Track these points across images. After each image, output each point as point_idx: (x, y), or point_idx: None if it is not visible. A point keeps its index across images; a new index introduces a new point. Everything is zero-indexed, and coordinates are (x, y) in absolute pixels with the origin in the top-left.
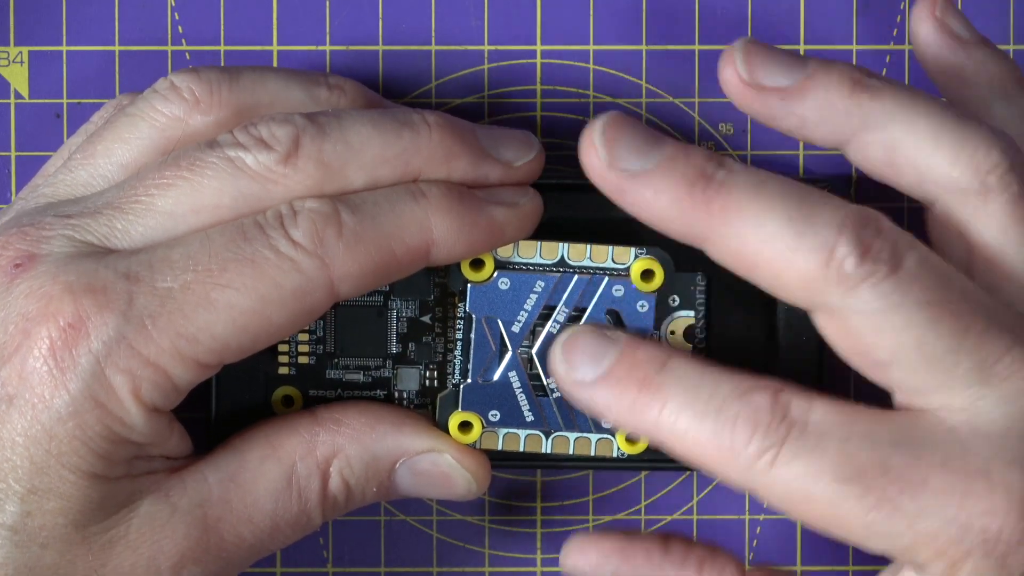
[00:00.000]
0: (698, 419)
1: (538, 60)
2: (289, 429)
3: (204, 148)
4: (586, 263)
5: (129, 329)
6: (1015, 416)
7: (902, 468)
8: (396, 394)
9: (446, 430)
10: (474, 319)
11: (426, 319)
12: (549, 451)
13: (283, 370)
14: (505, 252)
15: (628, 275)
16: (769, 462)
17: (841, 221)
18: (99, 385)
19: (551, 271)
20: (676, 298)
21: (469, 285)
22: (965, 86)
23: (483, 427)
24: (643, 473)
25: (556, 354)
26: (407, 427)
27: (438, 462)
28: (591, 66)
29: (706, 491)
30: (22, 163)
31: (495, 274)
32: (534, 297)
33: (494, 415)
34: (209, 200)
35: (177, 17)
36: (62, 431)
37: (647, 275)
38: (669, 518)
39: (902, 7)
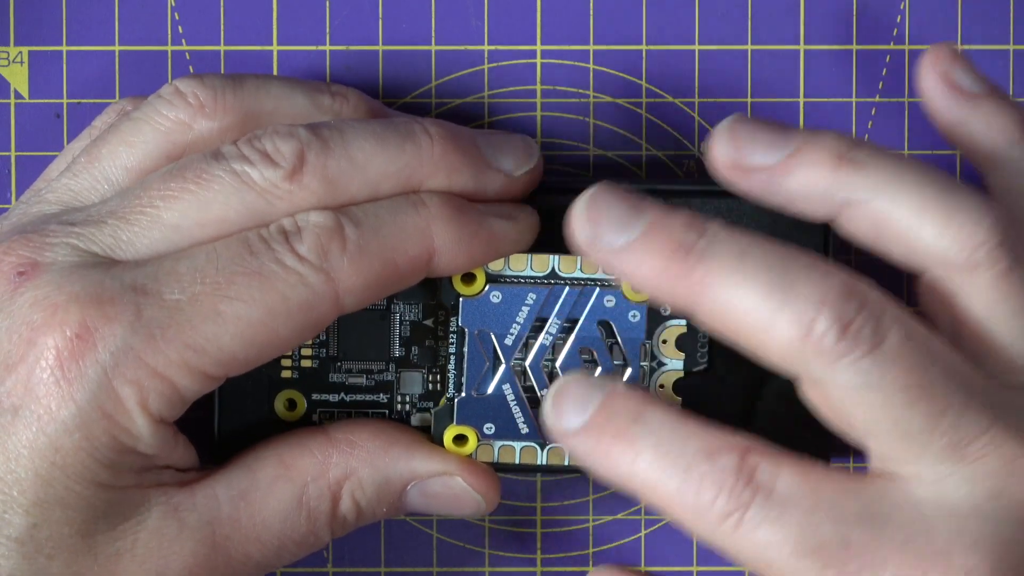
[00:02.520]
0: (667, 475)
1: (538, 60)
2: (302, 449)
3: (209, 160)
4: (577, 275)
5: (137, 340)
6: (982, 496)
7: (863, 545)
8: (399, 398)
9: (441, 444)
10: (467, 333)
11: (429, 323)
12: (544, 463)
13: (286, 374)
14: (496, 266)
15: (619, 286)
16: (734, 525)
17: (823, 295)
18: (106, 396)
19: (542, 283)
20: (667, 307)
21: (461, 299)
22: (972, 140)
23: (478, 440)
24: None
25: (547, 405)
26: (419, 450)
27: (450, 484)
28: (591, 66)
29: None
30: (22, 163)
31: (486, 288)
32: (526, 310)
33: (489, 428)
34: (215, 214)
35: (177, 17)
36: (68, 442)
37: None
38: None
39: (902, 7)
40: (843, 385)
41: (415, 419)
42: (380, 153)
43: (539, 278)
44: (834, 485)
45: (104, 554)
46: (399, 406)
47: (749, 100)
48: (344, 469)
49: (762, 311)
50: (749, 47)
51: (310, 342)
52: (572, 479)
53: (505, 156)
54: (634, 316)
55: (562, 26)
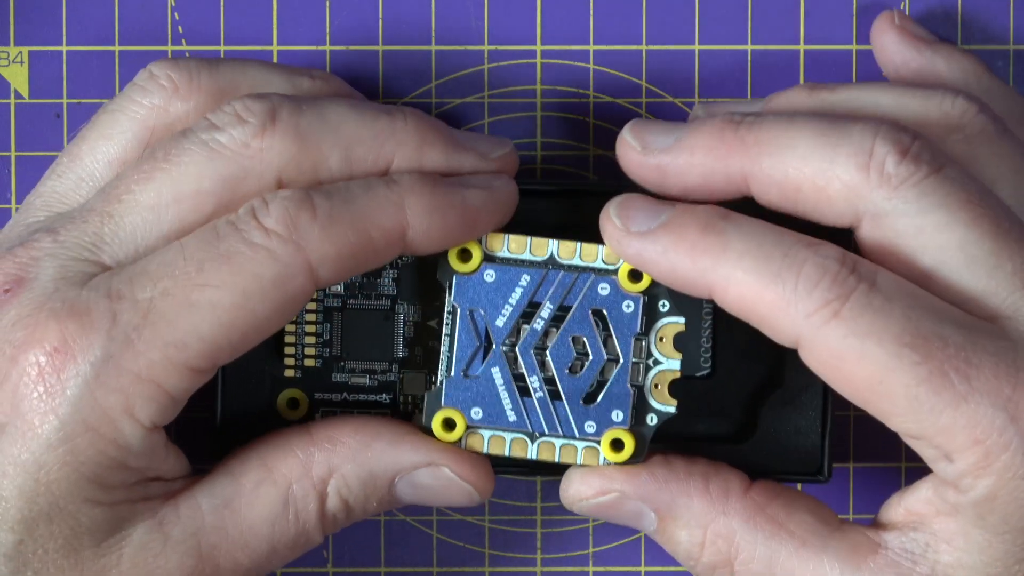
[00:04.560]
0: (763, 261)
1: (538, 60)
2: (284, 450)
3: (179, 136)
4: (575, 261)
5: (115, 347)
6: None
7: (960, 346)
8: (402, 398)
9: (430, 428)
10: (458, 311)
11: (433, 324)
12: (534, 457)
13: (289, 373)
14: (495, 246)
15: (615, 275)
16: (831, 314)
17: (876, 127)
18: (90, 408)
19: (538, 266)
20: (666, 303)
21: (454, 276)
22: (942, 81)
23: (466, 425)
24: None
25: (609, 212)
26: (405, 442)
27: (438, 475)
28: (591, 66)
29: None
30: (22, 163)
31: (482, 266)
32: (519, 291)
33: (476, 412)
34: (189, 187)
35: (177, 17)
36: (52, 458)
37: (634, 275)
38: None
39: (902, 7)
40: (908, 212)
41: (417, 420)
42: (354, 117)
43: (537, 262)
44: (929, 294)
45: (90, 570)
46: (402, 407)
47: (748, 100)
48: (327, 467)
49: (820, 155)
50: (749, 47)
51: (313, 341)
52: None
53: (477, 141)
54: (628, 306)
55: (562, 26)
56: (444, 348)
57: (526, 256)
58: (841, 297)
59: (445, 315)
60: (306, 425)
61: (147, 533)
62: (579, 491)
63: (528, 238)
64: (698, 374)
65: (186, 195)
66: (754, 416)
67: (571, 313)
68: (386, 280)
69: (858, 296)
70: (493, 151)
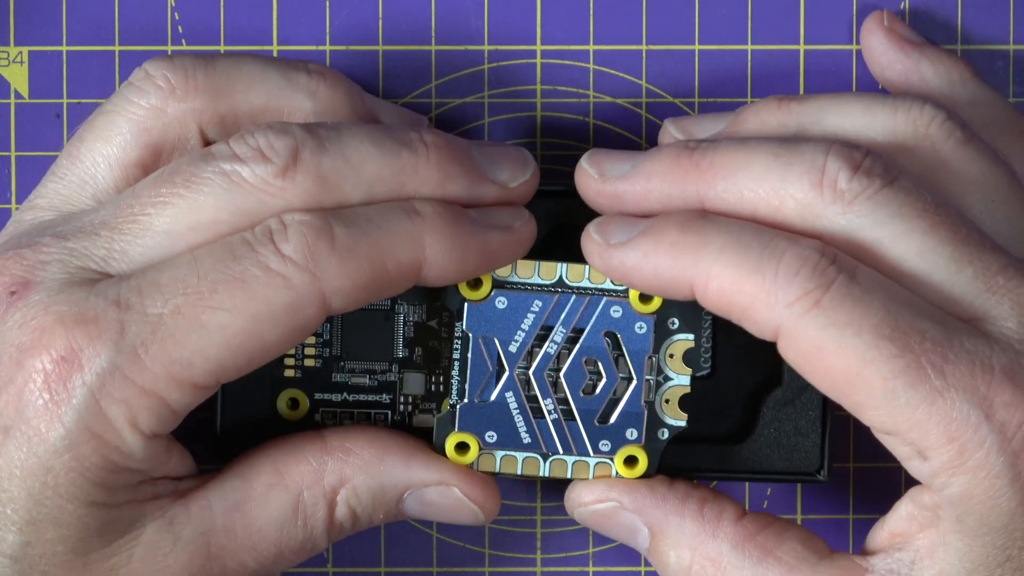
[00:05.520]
0: (742, 253)
1: (538, 60)
2: (297, 456)
3: (199, 162)
4: (584, 284)
5: (122, 359)
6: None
7: (938, 341)
8: (401, 398)
9: (443, 452)
10: (471, 338)
11: (433, 324)
12: (547, 475)
13: (289, 373)
14: (503, 272)
15: (626, 296)
16: (812, 303)
17: (826, 145)
18: (94, 417)
19: (549, 291)
20: (675, 321)
21: (466, 304)
22: (927, 84)
23: (480, 448)
24: None
25: (589, 231)
26: (416, 458)
27: (446, 494)
28: (591, 66)
29: None
30: (22, 163)
31: (492, 293)
32: (531, 317)
33: (491, 436)
34: (207, 217)
35: (177, 17)
36: (58, 463)
37: (645, 297)
38: None
39: (902, 7)
40: (863, 225)
41: (417, 420)
42: (376, 155)
43: (546, 286)
44: (907, 290)
45: (99, 570)
46: (401, 407)
47: (749, 100)
48: (339, 476)
49: (773, 175)
50: (749, 47)
51: (313, 341)
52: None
53: (500, 167)
54: (640, 328)
55: (562, 26)
56: (455, 372)
57: (535, 280)
58: (822, 287)
59: (455, 341)
60: (320, 432)
61: (157, 532)
62: (580, 496)
63: (536, 263)
64: (698, 374)
65: (203, 224)
66: (754, 416)
67: (584, 335)
68: None
69: (838, 286)
70: (515, 179)
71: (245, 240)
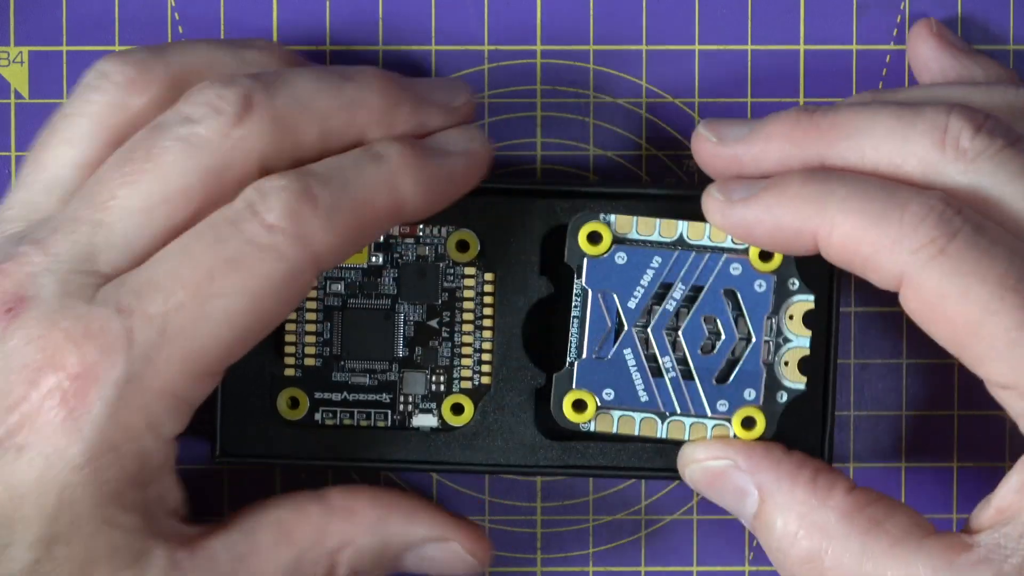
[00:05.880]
0: (867, 202)
1: (538, 60)
2: (302, 516)
3: (153, 133)
4: (704, 242)
5: (136, 367)
6: None
7: None
8: (401, 398)
9: (561, 411)
10: (590, 293)
11: (433, 323)
12: (664, 436)
13: (289, 372)
14: (624, 228)
15: (746, 254)
16: (937, 250)
17: (948, 107)
18: (113, 429)
19: (668, 247)
20: (795, 281)
21: (586, 259)
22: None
23: (597, 407)
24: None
25: (710, 190)
26: (419, 517)
27: (446, 549)
28: (591, 66)
29: None
30: (22, 163)
31: (612, 248)
32: (651, 273)
33: (608, 393)
34: (176, 185)
35: (177, 17)
36: (76, 478)
37: (765, 255)
38: (669, 518)
39: (902, 7)
40: (987, 184)
41: (417, 419)
42: (323, 90)
43: (666, 243)
44: None
45: None
46: (401, 406)
47: (749, 100)
48: (342, 537)
49: (896, 134)
50: (749, 47)
51: (313, 340)
52: (572, 479)
53: (439, 89)
54: (760, 286)
55: (562, 26)
56: (574, 329)
57: (655, 237)
58: (947, 235)
59: (574, 297)
60: (322, 492)
61: (163, 571)
62: (694, 452)
63: (657, 220)
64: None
65: (174, 193)
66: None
67: (703, 293)
68: (386, 280)
69: (964, 235)
70: (455, 99)
71: (228, 220)
